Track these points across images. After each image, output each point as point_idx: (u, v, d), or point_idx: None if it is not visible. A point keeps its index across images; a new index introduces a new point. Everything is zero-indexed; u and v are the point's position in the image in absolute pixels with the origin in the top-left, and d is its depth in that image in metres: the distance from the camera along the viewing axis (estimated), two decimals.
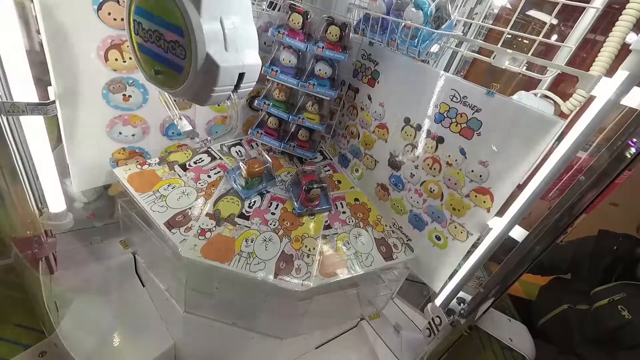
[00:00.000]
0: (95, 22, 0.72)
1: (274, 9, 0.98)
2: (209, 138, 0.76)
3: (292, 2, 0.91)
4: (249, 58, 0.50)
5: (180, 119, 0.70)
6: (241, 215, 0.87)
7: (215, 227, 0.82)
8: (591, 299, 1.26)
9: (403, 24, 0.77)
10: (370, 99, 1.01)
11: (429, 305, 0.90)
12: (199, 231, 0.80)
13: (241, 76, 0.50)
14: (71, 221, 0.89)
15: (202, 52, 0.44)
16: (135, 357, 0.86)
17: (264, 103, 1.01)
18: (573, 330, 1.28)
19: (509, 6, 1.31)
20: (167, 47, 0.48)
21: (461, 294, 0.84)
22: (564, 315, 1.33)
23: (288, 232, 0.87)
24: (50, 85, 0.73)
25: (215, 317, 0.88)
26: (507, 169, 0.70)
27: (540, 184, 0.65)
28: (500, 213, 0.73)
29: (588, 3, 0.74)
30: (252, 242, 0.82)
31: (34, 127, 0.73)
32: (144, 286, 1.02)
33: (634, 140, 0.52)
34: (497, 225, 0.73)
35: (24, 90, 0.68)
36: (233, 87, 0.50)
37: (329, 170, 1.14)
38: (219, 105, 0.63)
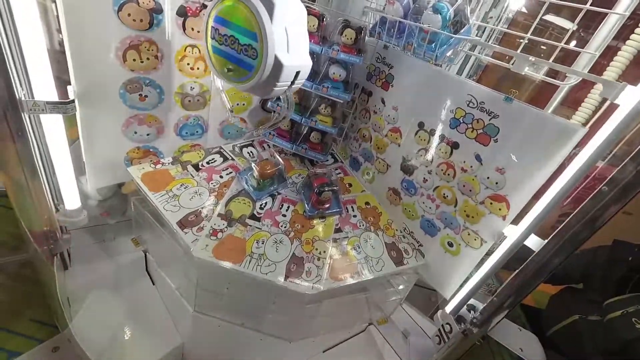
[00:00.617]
0: (115, 23, 0.73)
1: None
2: (260, 128, 0.86)
3: (306, 4, 0.91)
4: (303, 59, 0.60)
5: (232, 111, 0.81)
6: (252, 217, 0.87)
7: (226, 227, 0.82)
8: (604, 310, 1.24)
9: (421, 28, 0.76)
10: (383, 102, 1.00)
11: (439, 312, 0.89)
12: (211, 231, 0.80)
13: (297, 74, 0.59)
14: (85, 218, 0.91)
15: (271, 54, 0.54)
16: (144, 353, 0.87)
17: (277, 105, 1.01)
18: (584, 342, 1.25)
19: (524, 10, 1.29)
20: (241, 49, 0.57)
21: (471, 301, 0.83)
22: (575, 326, 1.30)
23: (299, 235, 0.87)
24: (70, 84, 0.74)
25: (225, 318, 0.88)
26: (525, 177, 0.69)
27: (558, 193, 0.64)
28: (516, 221, 0.72)
29: (610, 9, 0.72)
30: (263, 243, 0.82)
31: (52, 125, 0.74)
32: (154, 284, 1.03)
33: None
34: (512, 233, 0.72)
35: (44, 88, 0.70)
36: (290, 82, 0.60)
37: (340, 173, 1.14)
38: (273, 99, 0.70)
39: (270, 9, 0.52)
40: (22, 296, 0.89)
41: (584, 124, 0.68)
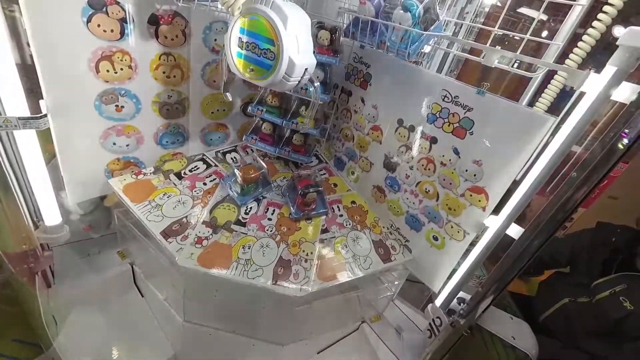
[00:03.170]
0: (85, 34, 0.72)
1: None
2: (306, 120, 0.97)
3: None
4: (309, 59, 0.72)
5: (225, 84, 0.88)
6: (238, 222, 0.87)
7: (212, 234, 0.82)
8: (592, 291, 1.26)
9: (393, 26, 0.77)
10: (363, 101, 1.01)
11: (430, 306, 0.89)
12: (196, 239, 0.80)
13: (305, 70, 0.71)
14: (67, 234, 0.89)
15: (286, 55, 0.67)
16: None
17: (258, 109, 1.01)
18: (575, 324, 1.28)
19: (499, 4, 1.32)
20: (261, 53, 0.70)
21: (461, 294, 0.84)
22: (565, 310, 1.33)
23: (285, 238, 0.87)
24: (42, 98, 0.73)
25: (215, 326, 0.87)
26: (501, 167, 0.70)
27: (535, 181, 0.65)
28: (496, 211, 0.73)
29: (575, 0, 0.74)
30: (249, 248, 0.81)
31: (26, 141, 0.73)
32: (142, 296, 1.01)
33: (626, 131, 0.52)
34: (493, 223, 0.73)
35: (15, 104, 0.68)
36: (300, 77, 0.72)
37: (324, 174, 1.14)
38: (293, 90, 0.84)
39: (284, 20, 0.65)
40: (3, 316, 0.86)
41: (547, 111, 0.70)
